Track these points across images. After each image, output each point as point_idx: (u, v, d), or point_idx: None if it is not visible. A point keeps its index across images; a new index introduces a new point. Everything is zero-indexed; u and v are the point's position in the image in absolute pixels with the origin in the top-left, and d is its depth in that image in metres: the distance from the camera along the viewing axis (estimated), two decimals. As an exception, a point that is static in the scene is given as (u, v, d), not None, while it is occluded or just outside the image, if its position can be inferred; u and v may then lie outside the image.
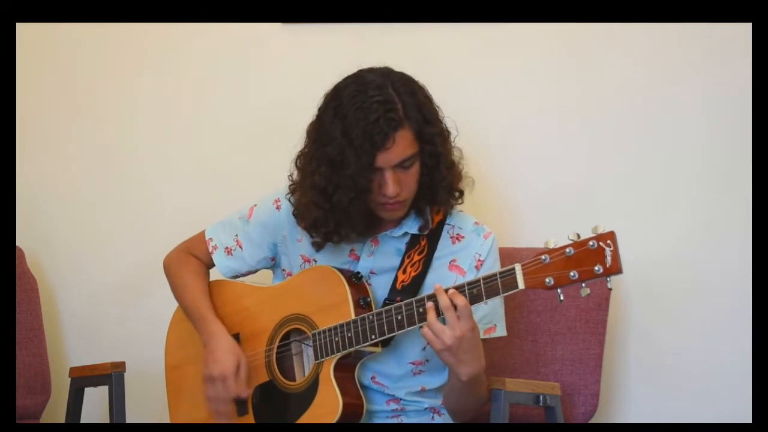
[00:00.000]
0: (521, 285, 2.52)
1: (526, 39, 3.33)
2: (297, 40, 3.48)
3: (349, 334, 2.69)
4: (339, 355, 2.71)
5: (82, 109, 3.64)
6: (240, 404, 2.84)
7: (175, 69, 3.59)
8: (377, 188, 2.69)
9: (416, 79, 2.75)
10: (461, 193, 2.81)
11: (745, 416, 3.07)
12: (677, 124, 3.26)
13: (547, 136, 3.34)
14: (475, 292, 2.57)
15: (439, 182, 2.75)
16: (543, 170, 3.34)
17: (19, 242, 3.48)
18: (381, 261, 2.81)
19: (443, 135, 2.76)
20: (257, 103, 3.53)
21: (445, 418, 2.85)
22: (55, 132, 3.65)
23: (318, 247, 2.80)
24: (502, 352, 3.12)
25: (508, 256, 3.00)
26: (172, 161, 3.58)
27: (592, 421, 3.10)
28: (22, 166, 3.59)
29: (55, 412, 3.48)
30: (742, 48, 3.17)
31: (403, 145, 2.68)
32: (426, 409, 2.84)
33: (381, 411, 2.81)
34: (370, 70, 2.74)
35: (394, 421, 2.81)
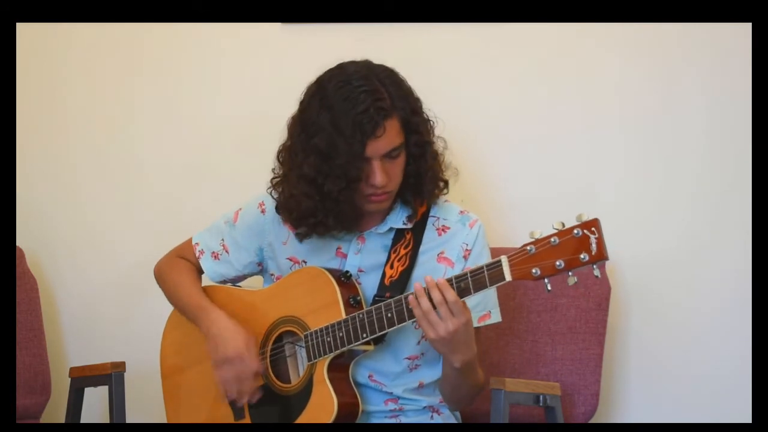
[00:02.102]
0: (508, 277, 2.52)
1: (525, 39, 3.33)
2: (297, 40, 3.48)
3: (341, 334, 2.69)
4: (332, 355, 2.71)
5: (82, 109, 3.64)
6: (237, 409, 2.84)
7: (175, 69, 3.59)
8: (365, 179, 2.69)
9: (397, 72, 2.75)
10: (446, 183, 2.81)
11: (745, 416, 3.07)
12: (677, 124, 3.26)
13: (547, 135, 3.34)
14: (463, 285, 2.57)
15: (425, 172, 2.75)
16: (543, 170, 3.34)
17: (19, 242, 3.48)
18: (368, 258, 2.81)
19: (428, 125, 2.77)
20: (257, 102, 3.53)
21: (444, 418, 2.85)
22: (54, 132, 3.65)
23: (302, 237, 2.79)
24: (502, 352, 3.12)
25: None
26: (172, 161, 3.58)
27: (592, 421, 3.10)
28: (22, 166, 3.59)
29: (55, 412, 3.48)
30: (742, 48, 3.17)
31: (392, 134, 2.68)
32: (424, 408, 2.84)
33: (379, 411, 2.81)
34: (352, 63, 2.74)
35: (393, 421, 2.80)
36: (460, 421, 2.91)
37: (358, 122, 2.64)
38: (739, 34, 3.16)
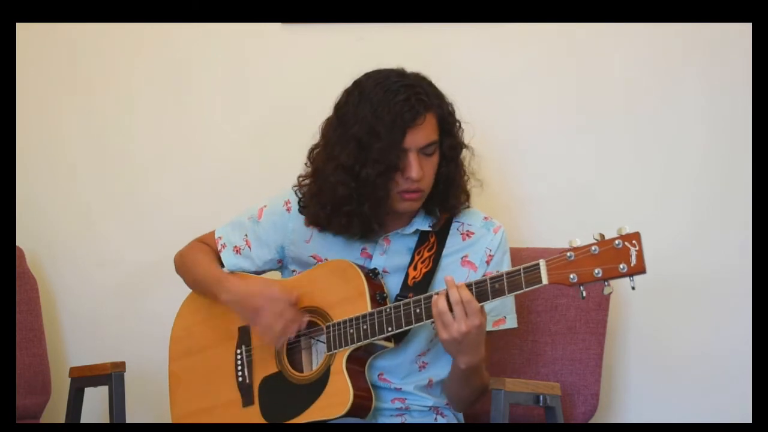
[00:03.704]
0: (545, 280, 2.54)
1: (526, 39, 3.33)
2: (297, 40, 3.48)
3: (365, 327, 2.70)
4: (353, 346, 2.71)
5: (82, 110, 3.63)
6: (245, 394, 2.85)
7: (175, 69, 3.59)
8: (401, 171, 2.71)
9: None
10: (468, 195, 2.84)
11: (745, 416, 3.07)
12: (677, 124, 3.26)
13: (546, 136, 3.34)
14: (498, 286, 2.59)
15: (455, 178, 2.78)
16: (542, 170, 3.34)
17: (19, 242, 3.48)
18: (393, 259, 2.82)
19: (461, 130, 2.81)
20: (257, 103, 3.53)
21: (448, 419, 2.86)
22: (54, 132, 3.65)
23: (344, 230, 2.78)
24: (502, 352, 3.12)
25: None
26: (172, 162, 3.58)
27: (592, 421, 3.10)
28: (22, 166, 3.59)
29: (55, 412, 3.48)
30: (742, 48, 3.17)
31: (430, 127, 2.72)
32: (430, 408, 2.84)
33: (386, 409, 2.81)
34: (385, 69, 2.77)
35: (398, 419, 2.81)
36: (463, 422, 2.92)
37: (398, 111, 2.68)
38: (739, 34, 3.17)
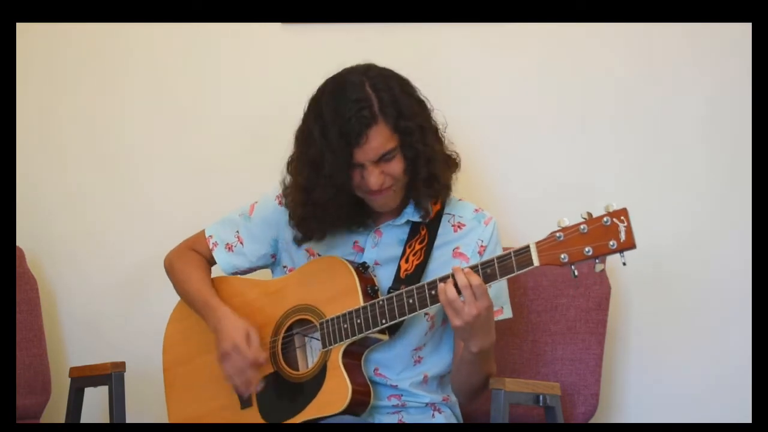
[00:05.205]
0: (536, 262, 2.55)
1: (526, 39, 3.33)
2: (297, 40, 3.48)
3: (359, 321, 2.71)
4: (348, 341, 2.72)
5: (82, 109, 3.64)
6: (243, 397, 2.85)
7: (175, 69, 3.59)
8: (361, 181, 2.73)
9: (399, 74, 2.77)
10: (447, 186, 2.81)
11: (745, 416, 3.07)
12: (677, 124, 3.26)
13: (546, 136, 3.34)
14: (489, 271, 2.60)
15: (418, 176, 2.76)
16: (542, 170, 3.34)
17: (19, 242, 3.49)
18: (384, 251, 2.83)
19: (422, 128, 2.75)
20: (257, 103, 3.53)
21: (445, 416, 2.86)
22: (54, 132, 3.65)
23: (310, 239, 2.82)
24: (502, 352, 3.13)
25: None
26: (172, 161, 3.58)
27: (592, 421, 3.10)
28: (22, 166, 3.59)
29: (55, 412, 3.49)
30: (742, 48, 3.17)
31: (379, 140, 2.70)
32: (426, 405, 2.84)
33: (383, 406, 2.81)
34: (350, 70, 2.76)
35: (395, 417, 2.81)
36: (461, 421, 2.92)
37: (343, 132, 2.68)
38: (739, 34, 3.17)
